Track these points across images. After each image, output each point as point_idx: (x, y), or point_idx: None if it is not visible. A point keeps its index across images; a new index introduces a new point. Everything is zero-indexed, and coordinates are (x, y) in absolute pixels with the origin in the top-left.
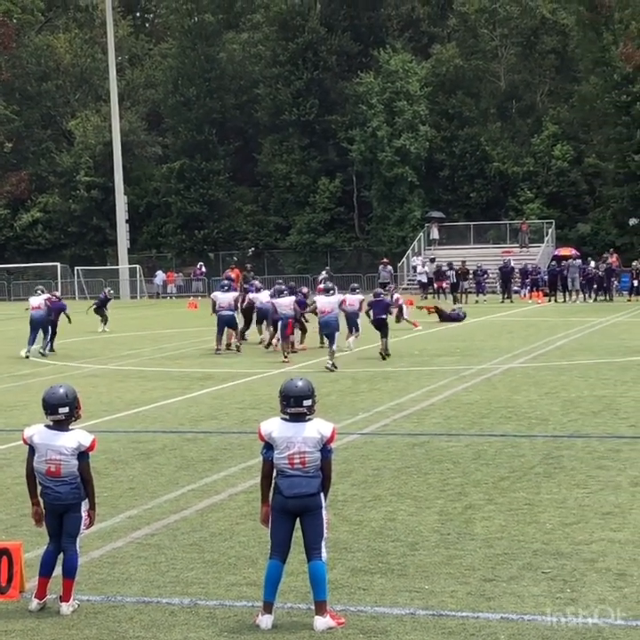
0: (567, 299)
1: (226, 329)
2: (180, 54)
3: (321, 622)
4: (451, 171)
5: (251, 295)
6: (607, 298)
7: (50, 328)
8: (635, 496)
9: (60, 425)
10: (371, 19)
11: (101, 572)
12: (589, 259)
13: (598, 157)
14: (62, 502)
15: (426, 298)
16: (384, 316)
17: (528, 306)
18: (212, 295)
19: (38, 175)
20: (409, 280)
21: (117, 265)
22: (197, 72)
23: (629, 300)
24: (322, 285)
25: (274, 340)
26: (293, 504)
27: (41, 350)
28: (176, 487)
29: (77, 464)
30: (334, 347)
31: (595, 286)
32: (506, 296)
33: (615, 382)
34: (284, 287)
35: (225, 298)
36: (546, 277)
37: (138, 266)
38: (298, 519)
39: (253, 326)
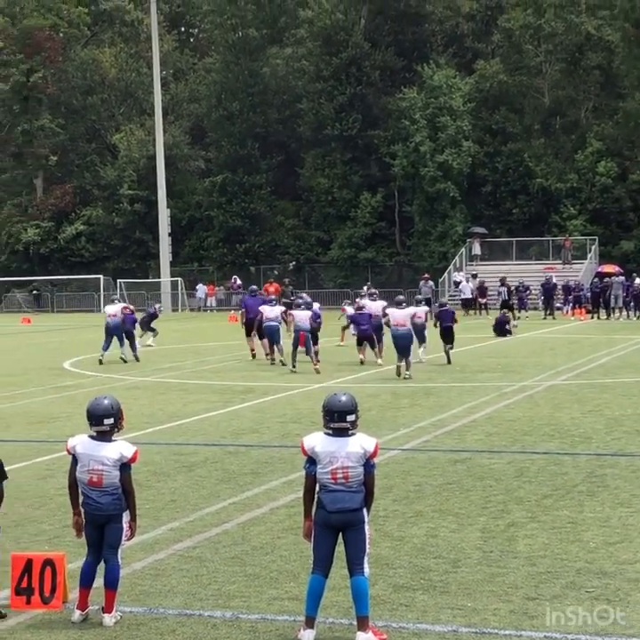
0: (610, 316)
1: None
2: (224, 69)
3: (363, 638)
4: (493, 186)
5: (261, 308)
6: None
7: (124, 336)
8: None
9: (104, 436)
10: (414, 34)
11: (144, 583)
12: (634, 275)
13: None
14: (103, 513)
15: (468, 314)
16: (451, 325)
17: (571, 323)
18: (260, 307)
19: (82, 188)
20: (451, 296)
21: (159, 278)
22: (241, 86)
23: None
24: (364, 291)
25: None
26: (336, 519)
27: (122, 356)
28: (217, 500)
29: (119, 475)
30: (411, 358)
31: (638, 303)
32: (548, 313)
33: None
34: (301, 300)
35: (272, 311)
36: (588, 294)
37: (180, 279)
38: (340, 534)
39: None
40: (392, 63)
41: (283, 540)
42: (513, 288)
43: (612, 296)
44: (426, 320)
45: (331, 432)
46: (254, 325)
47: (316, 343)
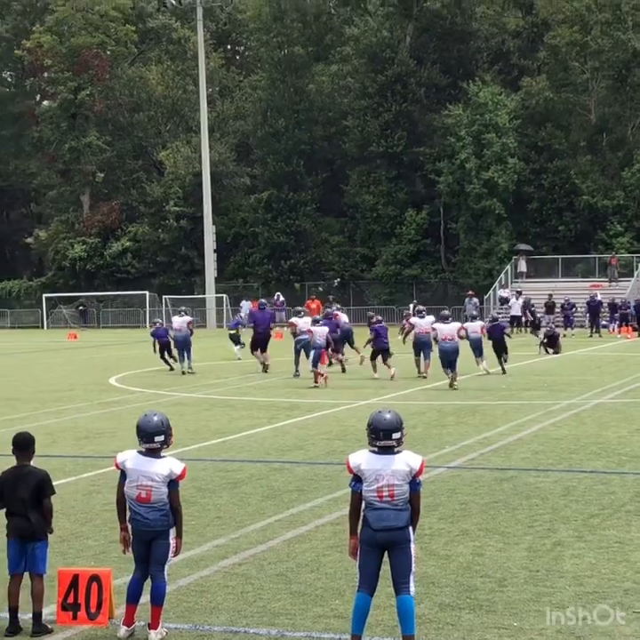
0: None
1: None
2: (270, 86)
3: None
4: (539, 203)
5: (292, 319)
6: None
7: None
8: None
9: (153, 452)
10: (460, 51)
11: (189, 600)
12: None
13: None
14: (151, 529)
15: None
16: (502, 338)
17: (617, 341)
18: (291, 320)
19: (129, 205)
20: (497, 312)
21: (204, 294)
22: (286, 104)
23: None
24: (411, 310)
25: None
26: (382, 537)
27: (183, 369)
28: (262, 517)
29: (168, 491)
30: (457, 370)
31: None
32: (594, 330)
33: None
34: (318, 316)
35: (304, 323)
36: (635, 312)
37: (225, 295)
38: (386, 552)
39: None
40: (437, 80)
41: (328, 558)
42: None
43: None
44: (481, 334)
45: (376, 450)
46: (262, 338)
47: (336, 351)
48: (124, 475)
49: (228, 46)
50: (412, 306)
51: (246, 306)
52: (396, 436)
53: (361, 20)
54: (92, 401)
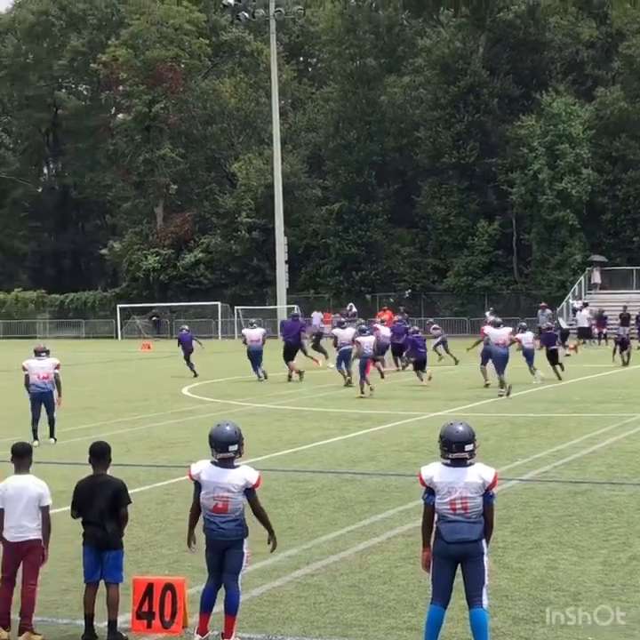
0: None
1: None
2: (342, 98)
3: None
4: (613, 214)
5: (334, 331)
6: None
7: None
8: None
9: (227, 462)
10: (533, 61)
11: (262, 610)
12: None
13: None
14: (226, 539)
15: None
16: (556, 348)
17: None
18: (334, 331)
19: (201, 216)
20: (569, 324)
21: (276, 305)
22: (358, 115)
23: None
24: (488, 317)
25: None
26: (455, 550)
27: (259, 376)
28: (334, 528)
29: (244, 500)
30: (505, 376)
31: None
32: None
33: None
34: (365, 326)
35: (346, 334)
36: None
37: (296, 306)
38: (459, 565)
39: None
40: (510, 91)
41: (400, 570)
42: (631, 317)
43: None
44: (533, 345)
45: (448, 462)
46: (293, 347)
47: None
48: (198, 486)
49: (301, 58)
50: (488, 313)
51: (318, 317)
52: (468, 448)
53: (433, 32)
54: (166, 411)
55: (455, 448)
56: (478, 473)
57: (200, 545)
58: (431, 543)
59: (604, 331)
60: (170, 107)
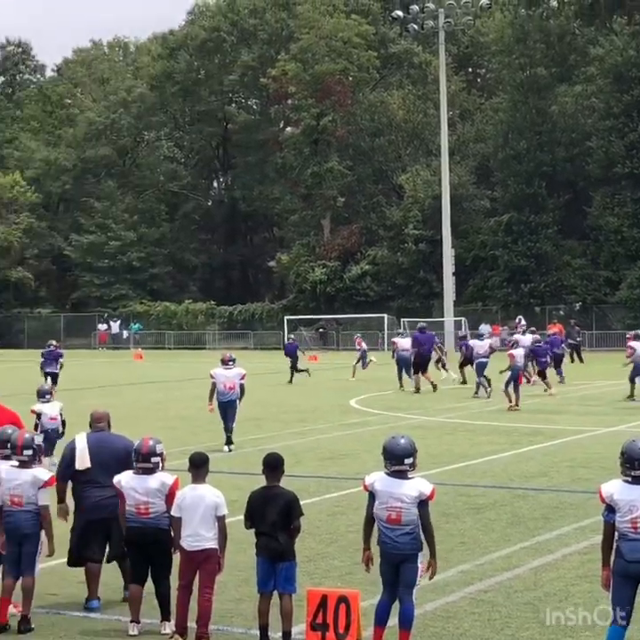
0: None
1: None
2: (512, 108)
3: None
4: None
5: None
6: None
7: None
8: None
9: (401, 474)
10: None
11: (435, 625)
12: None
13: None
14: (400, 552)
15: None
16: None
17: None
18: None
19: (368, 228)
20: None
21: (443, 317)
22: (528, 125)
23: None
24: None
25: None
26: (636, 569)
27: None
28: (508, 544)
29: (417, 512)
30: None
31: None
32: None
33: None
34: (483, 331)
35: (482, 346)
36: None
37: (463, 318)
38: None
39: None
40: None
41: (577, 588)
42: None
43: None
44: None
45: (630, 479)
46: (427, 359)
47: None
48: (372, 496)
49: (469, 69)
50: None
51: (486, 329)
52: None
53: (606, 40)
54: (334, 422)
55: (638, 465)
56: None
57: (374, 558)
58: (611, 562)
59: None
60: (338, 120)
